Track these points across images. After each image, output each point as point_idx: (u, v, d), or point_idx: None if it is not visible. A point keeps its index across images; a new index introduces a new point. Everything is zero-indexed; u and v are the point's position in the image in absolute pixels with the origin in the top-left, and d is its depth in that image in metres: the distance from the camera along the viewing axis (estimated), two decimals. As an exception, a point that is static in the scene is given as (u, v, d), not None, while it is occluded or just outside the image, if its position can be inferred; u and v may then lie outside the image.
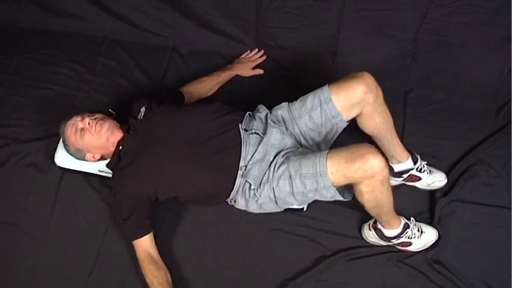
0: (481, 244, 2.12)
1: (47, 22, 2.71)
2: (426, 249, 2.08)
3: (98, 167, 2.19)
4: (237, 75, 2.53)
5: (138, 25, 2.65)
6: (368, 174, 1.69)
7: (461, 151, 2.32)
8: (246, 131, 1.97)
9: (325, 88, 1.93)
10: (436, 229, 2.10)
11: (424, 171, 2.16)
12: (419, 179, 2.17)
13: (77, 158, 2.13)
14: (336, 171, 1.72)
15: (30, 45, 2.68)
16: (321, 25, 2.44)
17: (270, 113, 2.07)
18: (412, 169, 2.14)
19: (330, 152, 1.77)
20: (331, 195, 1.79)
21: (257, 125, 2.01)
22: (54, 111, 2.45)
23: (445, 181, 2.20)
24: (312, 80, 2.50)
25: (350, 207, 2.16)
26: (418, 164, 2.14)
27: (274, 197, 1.89)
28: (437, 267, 2.06)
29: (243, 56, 2.60)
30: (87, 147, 2.05)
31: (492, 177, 2.24)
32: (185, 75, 2.53)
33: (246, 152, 1.92)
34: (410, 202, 2.21)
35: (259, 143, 1.94)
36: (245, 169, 1.91)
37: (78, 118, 2.05)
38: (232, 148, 1.92)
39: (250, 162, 1.91)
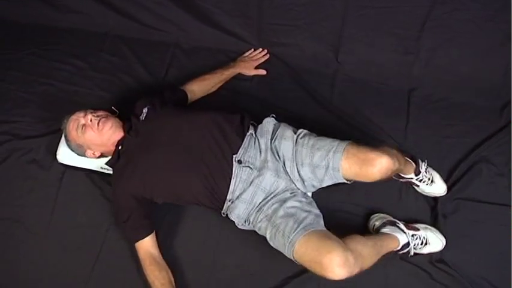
0: (484, 242, 2.12)
1: (49, 17, 2.70)
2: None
3: (100, 164, 2.19)
4: (239, 73, 2.52)
5: (141, 21, 2.65)
6: (330, 279, 1.64)
7: (465, 149, 2.30)
8: (240, 163, 1.91)
9: (338, 157, 1.81)
10: (443, 235, 2.08)
11: (424, 182, 2.14)
12: (418, 186, 2.16)
13: (78, 154, 2.14)
14: (301, 262, 1.71)
15: (32, 41, 2.67)
16: (324, 22, 2.42)
17: (273, 140, 1.97)
18: (411, 178, 2.12)
19: (298, 243, 1.71)
20: None
21: (254, 156, 1.94)
22: (57, 107, 2.45)
23: (444, 193, 2.17)
24: (315, 78, 2.51)
25: (354, 204, 2.18)
26: (420, 176, 2.11)
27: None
28: (440, 265, 2.05)
29: (247, 54, 2.59)
30: (88, 144, 2.05)
31: (495, 175, 2.23)
32: (188, 71, 2.52)
33: (235, 186, 1.89)
34: (414, 201, 2.20)
35: (250, 183, 1.90)
36: (231, 203, 1.91)
37: (81, 114, 2.05)
38: (224, 174, 1.90)
39: (237, 200, 1.90)
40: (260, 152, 1.95)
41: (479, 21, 2.25)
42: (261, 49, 2.59)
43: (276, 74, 2.54)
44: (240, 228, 1.99)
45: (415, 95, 2.46)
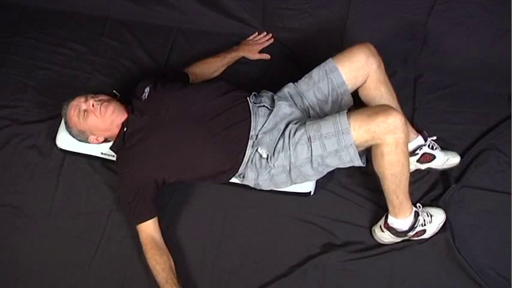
0: (491, 231, 2.09)
1: (49, 1, 2.68)
2: (435, 235, 2.04)
3: (101, 150, 2.16)
4: (242, 57, 2.49)
5: (143, 4, 2.61)
6: (391, 129, 1.71)
7: (473, 137, 2.28)
8: (255, 103, 1.99)
9: (329, 60, 2.00)
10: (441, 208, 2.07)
11: (436, 149, 2.14)
12: (434, 157, 2.13)
13: (80, 140, 2.10)
14: (358, 127, 1.74)
15: (32, 25, 2.65)
16: (330, 7, 2.40)
17: (275, 93, 2.07)
18: (424, 145, 2.11)
19: (349, 111, 1.80)
20: (350, 158, 1.79)
21: (264, 100, 2.02)
22: (56, 92, 2.43)
23: (459, 157, 2.17)
24: (319, 63, 2.47)
25: (361, 195, 2.16)
26: (428, 141, 2.12)
27: (290, 165, 1.88)
28: (446, 254, 2.02)
29: (251, 38, 2.57)
30: (91, 130, 2.02)
31: (504, 164, 2.20)
32: (190, 56, 2.50)
33: (256, 122, 1.93)
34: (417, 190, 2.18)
35: (269, 115, 1.95)
36: (256, 138, 1.91)
37: (82, 99, 2.02)
38: (241, 121, 1.92)
39: (260, 132, 1.91)
40: (268, 98, 2.05)
41: (490, 5, 2.22)
42: (265, 33, 2.57)
43: (280, 59, 2.52)
44: (246, 214, 2.01)
45: (422, 82, 2.43)
